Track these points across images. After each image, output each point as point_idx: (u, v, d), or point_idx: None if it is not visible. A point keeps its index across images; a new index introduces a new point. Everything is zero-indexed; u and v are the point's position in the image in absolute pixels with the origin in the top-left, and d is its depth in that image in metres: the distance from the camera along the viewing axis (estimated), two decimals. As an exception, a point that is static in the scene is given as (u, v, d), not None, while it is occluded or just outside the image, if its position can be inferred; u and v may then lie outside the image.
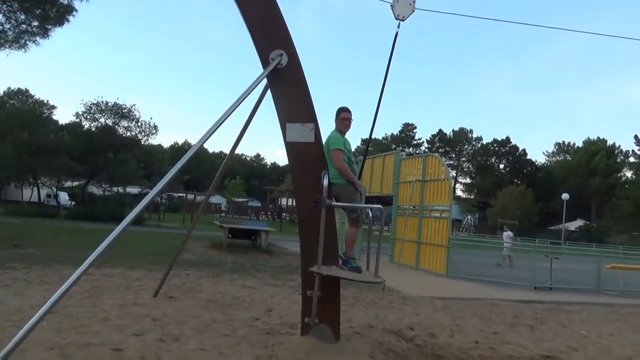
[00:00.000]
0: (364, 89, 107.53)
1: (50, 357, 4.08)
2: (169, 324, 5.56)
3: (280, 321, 6.16)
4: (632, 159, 64.31)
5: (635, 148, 59.53)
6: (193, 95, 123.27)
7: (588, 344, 6.68)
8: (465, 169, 79.57)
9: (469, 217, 52.78)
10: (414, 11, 5.51)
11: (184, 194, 41.35)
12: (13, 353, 3.38)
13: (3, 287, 6.95)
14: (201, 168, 61.73)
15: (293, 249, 15.35)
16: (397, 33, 5.52)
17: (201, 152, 71.98)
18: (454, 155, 78.85)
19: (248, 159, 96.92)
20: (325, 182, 4.95)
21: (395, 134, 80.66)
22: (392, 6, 5.51)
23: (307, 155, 5.20)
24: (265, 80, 5.26)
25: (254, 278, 9.87)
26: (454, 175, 76.36)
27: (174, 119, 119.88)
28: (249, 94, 4.83)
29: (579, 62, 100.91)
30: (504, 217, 51.18)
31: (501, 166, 76.00)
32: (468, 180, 78.92)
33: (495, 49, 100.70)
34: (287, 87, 5.27)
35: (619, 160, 66.49)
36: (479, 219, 57.70)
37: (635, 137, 57.80)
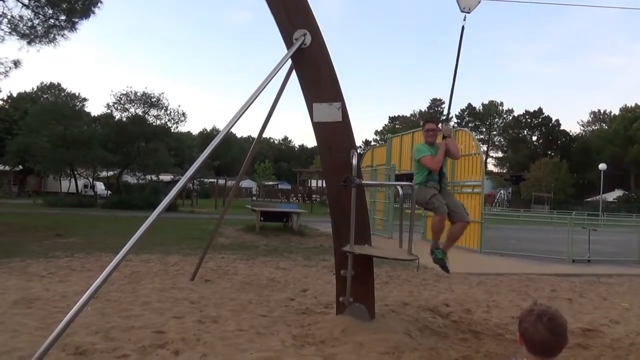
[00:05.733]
0: (389, 65, 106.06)
1: (95, 340, 4.24)
2: (207, 306, 5.69)
3: (315, 301, 6.22)
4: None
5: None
6: (220, 82, 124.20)
7: (630, 316, 6.52)
8: (496, 143, 77.99)
9: (501, 191, 51.84)
10: (479, 2, 5.41)
11: (215, 180, 41.88)
12: (61, 337, 3.52)
13: (48, 275, 7.23)
14: (231, 153, 62.43)
15: (325, 230, 15.43)
16: (463, 26, 5.43)
17: (230, 137, 72.92)
18: (484, 130, 77.27)
19: (276, 142, 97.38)
20: (355, 161, 4.93)
21: (423, 110, 79.51)
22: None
23: (335, 134, 5.17)
24: (289, 62, 5.23)
25: (287, 260, 9.98)
26: (485, 149, 74.95)
27: (203, 106, 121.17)
28: (274, 76, 4.82)
29: (611, 26, 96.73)
30: (538, 190, 50.12)
31: (534, 138, 74.17)
32: (500, 154, 77.45)
33: (523, 17, 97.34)
34: (312, 67, 5.23)
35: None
36: (512, 193, 56.63)
37: None
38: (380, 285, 7.37)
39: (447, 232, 5.42)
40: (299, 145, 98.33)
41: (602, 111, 71.25)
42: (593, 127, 72.26)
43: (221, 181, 39.11)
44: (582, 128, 73.84)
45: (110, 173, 33.54)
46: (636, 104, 65.69)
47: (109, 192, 33.90)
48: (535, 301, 2.72)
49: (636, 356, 4.77)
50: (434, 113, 61.97)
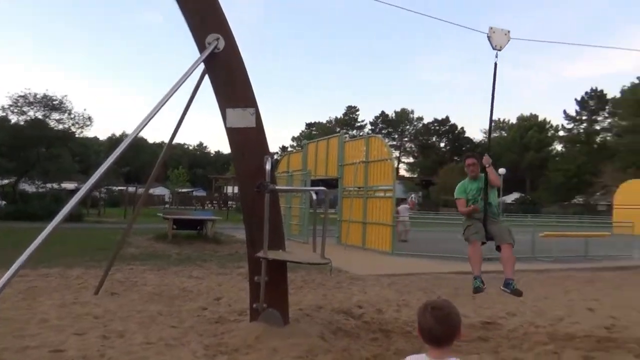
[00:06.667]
0: (305, 71, 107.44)
1: (-17, 364, 3.87)
2: (112, 320, 5.40)
3: (229, 309, 6.13)
4: (561, 133, 68.13)
5: (564, 122, 62.95)
6: (131, 85, 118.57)
7: (525, 308, 7.07)
8: (408, 149, 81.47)
9: (412, 195, 54.23)
10: (509, 40, 5.63)
11: (125, 187, 39.88)
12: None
13: None
14: (141, 159, 59.76)
15: (241, 236, 15.22)
16: (495, 63, 5.61)
17: (141, 142, 69.87)
18: (396, 136, 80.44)
19: (191, 147, 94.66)
20: (268, 166, 4.94)
21: (339, 117, 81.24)
22: (489, 37, 5.57)
23: (249, 140, 5.15)
24: (202, 66, 5.14)
25: (201, 268, 9.73)
26: (397, 155, 78.07)
27: (112, 111, 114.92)
28: (184, 80, 4.70)
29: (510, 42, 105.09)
30: (446, 194, 52.99)
31: (442, 145, 78.36)
32: (411, 160, 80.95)
33: (431, 31, 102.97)
34: (225, 71, 5.18)
35: (549, 134, 70.10)
36: (423, 197, 59.40)
37: None
38: (295, 290, 7.41)
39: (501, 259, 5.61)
40: (215, 151, 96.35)
41: (501, 120, 76.84)
42: (494, 134, 77.76)
43: (131, 188, 37.32)
44: (484, 135, 79.21)
45: (6, 181, 30.79)
46: (531, 114, 71.66)
47: (4, 202, 31.07)
48: (439, 297, 2.87)
49: (529, 345, 5.19)
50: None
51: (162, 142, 74.91)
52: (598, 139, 62.65)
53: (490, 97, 5.74)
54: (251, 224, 5.10)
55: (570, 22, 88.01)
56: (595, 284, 9.91)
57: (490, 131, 6.54)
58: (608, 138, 61.12)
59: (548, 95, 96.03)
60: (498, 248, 5.54)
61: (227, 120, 5.12)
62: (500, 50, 5.59)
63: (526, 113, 71.97)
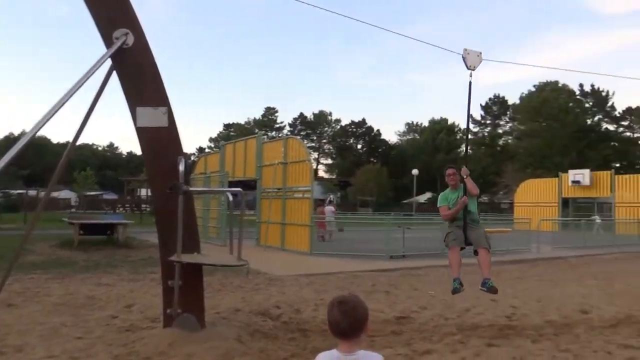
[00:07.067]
0: (223, 71, 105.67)
1: None
2: (9, 334, 4.97)
3: (141, 316, 5.87)
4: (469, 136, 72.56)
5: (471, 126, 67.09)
6: (31, 82, 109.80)
7: (435, 302, 7.44)
8: (326, 151, 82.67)
9: (331, 196, 55.17)
10: (481, 61, 6.07)
11: (24, 191, 36.92)
12: None
13: None
14: (44, 161, 55.56)
15: (155, 240, 14.51)
16: (470, 82, 6.04)
17: (44, 142, 64.96)
18: (315, 138, 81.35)
19: (100, 148, 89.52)
20: (182, 167, 4.80)
21: (257, 118, 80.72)
22: (463, 58, 5.97)
23: (161, 140, 4.99)
24: (110, 62, 4.88)
25: (110, 275, 9.24)
26: (316, 156, 79.01)
27: (12, 109, 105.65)
28: (89, 77, 4.44)
29: (422, 49, 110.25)
30: (363, 194, 54.48)
31: (359, 146, 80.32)
32: (329, 161, 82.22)
33: (348, 36, 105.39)
34: (135, 68, 4.97)
35: (458, 137, 74.30)
36: (341, 198, 60.58)
37: None
38: (213, 294, 7.26)
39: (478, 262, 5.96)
40: (127, 152, 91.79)
41: (414, 122, 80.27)
42: (408, 136, 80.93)
43: (32, 192, 34.63)
44: (399, 137, 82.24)
45: None
46: (441, 117, 75.54)
47: None
48: (349, 293, 2.94)
49: (439, 336, 5.48)
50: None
51: (68, 143, 70.10)
52: (501, 142, 67.36)
53: (466, 113, 6.29)
54: (164, 226, 4.94)
55: (474, 32, 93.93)
56: (499, 276, 10.61)
57: (466, 146, 7.34)
58: (509, 141, 65.98)
59: (457, 101, 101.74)
60: (475, 252, 5.96)
61: (137, 120, 4.92)
62: (473, 70, 6.08)
63: (437, 117, 75.79)
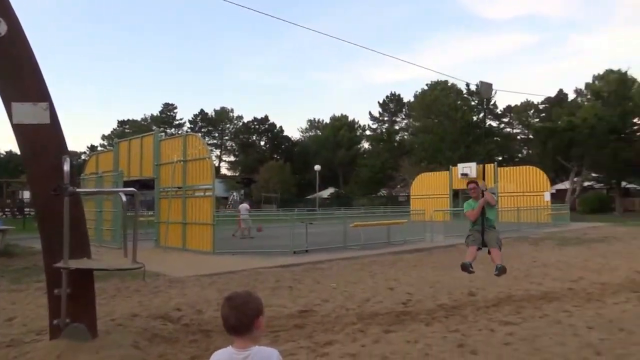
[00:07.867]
0: (117, 66, 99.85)
1: None
2: None
3: (24, 329, 5.40)
4: (368, 132, 75.16)
5: (370, 122, 69.64)
6: None
7: (337, 294, 7.67)
8: (228, 148, 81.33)
9: (234, 193, 54.38)
10: (495, 92, 6.59)
11: None
12: None
13: None
14: None
15: (40, 247, 13.48)
16: (485, 109, 6.40)
17: None
18: (217, 135, 79.67)
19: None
20: (67, 167, 4.47)
21: (155, 114, 77.26)
22: (478, 88, 6.44)
23: (42, 138, 4.61)
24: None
25: (-12, 287, 8.38)
26: (218, 154, 77.46)
27: None
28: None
29: (324, 47, 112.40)
30: (267, 191, 54.37)
31: (262, 143, 80.00)
32: (232, 158, 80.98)
33: (249, 33, 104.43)
34: (9, 60, 4.56)
35: (358, 133, 76.72)
36: (245, 195, 59.98)
37: None
38: (107, 300, 6.88)
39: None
40: (6, 152, 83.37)
41: (316, 119, 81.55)
42: (310, 133, 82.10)
43: None
44: (301, 134, 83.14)
45: None
46: (342, 114, 77.49)
47: None
48: (245, 290, 2.94)
49: (340, 326, 5.65)
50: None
51: None
52: (397, 138, 70.64)
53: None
54: (49, 230, 4.58)
55: (370, 30, 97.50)
56: (396, 265, 11.19)
57: (484, 166, 8.18)
58: (405, 137, 69.42)
59: (356, 98, 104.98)
60: (489, 251, 6.78)
61: (13, 116, 4.51)
62: (488, 98, 6.88)
63: (338, 114, 77.64)
